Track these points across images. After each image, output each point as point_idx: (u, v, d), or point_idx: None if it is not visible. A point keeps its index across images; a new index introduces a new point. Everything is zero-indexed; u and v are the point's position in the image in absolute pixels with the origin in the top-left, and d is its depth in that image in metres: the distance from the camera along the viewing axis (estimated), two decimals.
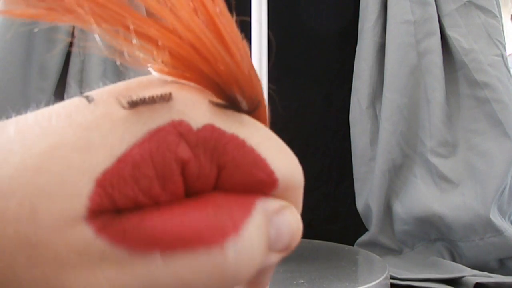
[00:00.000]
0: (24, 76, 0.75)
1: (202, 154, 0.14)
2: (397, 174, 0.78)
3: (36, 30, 0.76)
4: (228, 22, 0.15)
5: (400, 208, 0.77)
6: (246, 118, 0.16)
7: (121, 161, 0.13)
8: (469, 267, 0.68)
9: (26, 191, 0.13)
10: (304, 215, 0.17)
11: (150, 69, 0.16)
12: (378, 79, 0.80)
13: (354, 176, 0.84)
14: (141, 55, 0.15)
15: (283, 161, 0.16)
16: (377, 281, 0.55)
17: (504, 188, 0.72)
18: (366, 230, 0.83)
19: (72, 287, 0.13)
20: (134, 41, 0.15)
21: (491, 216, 0.70)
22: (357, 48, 0.83)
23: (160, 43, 0.15)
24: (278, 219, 0.15)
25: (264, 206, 0.15)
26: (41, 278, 0.13)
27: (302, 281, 0.54)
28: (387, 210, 0.79)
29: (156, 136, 0.14)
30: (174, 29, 0.15)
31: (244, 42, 0.16)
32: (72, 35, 0.78)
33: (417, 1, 0.77)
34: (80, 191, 0.13)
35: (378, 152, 0.78)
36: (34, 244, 0.13)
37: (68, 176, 0.13)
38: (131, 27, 0.15)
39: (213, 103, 0.15)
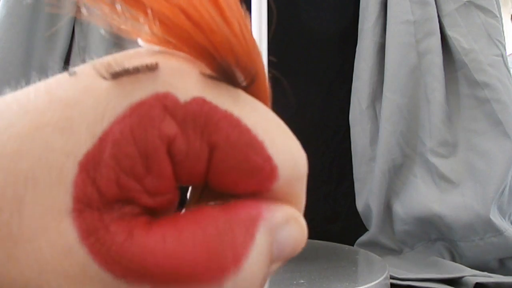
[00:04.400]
0: (24, 76, 0.75)
1: (190, 130, 0.13)
2: (397, 174, 0.78)
3: (36, 29, 0.76)
4: None
5: (400, 208, 0.77)
6: (243, 94, 0.14)
7: (102, 140, 0.12)
8: (469, 267, 0.68)
9: (8, 177, 0.12)
10: (304, 215, 0.16)
11: (139, 40, 0.15)
12: (378, 79, 0.80)
13: (354, 176, 0.84)
14: (130, 23, 0.14)
15: (283, 146, 0.14)
16: (377, 281, 0.55)
17: (504, 188, 0.72)
18: (366, 230, 0.83)
19: None
20: (119, 7, 0.13)
21: (491, 216, 0.70)
22: (357, 48, 0.83)
23: (149, 9, 0.13)
24: (282, 234, 0.14)
25: (269, 223, 0.14)
26: (20, 281, 0.12)
27: (302, 281, 0.54)
28: (387, 210, 0.79)
29: (138, 110, 0.13)
30: None
31: (243, 10, 0.14)
32: (72, 35, 0.78)
33: (417, 1, 0.77)
34: (65, 177, 0.12)
35: (378, 152, 0.78)
36: (16, 240, 0.12)
37: (52, 160, 0.12)
38: None
39: (204, 75, 0.14)
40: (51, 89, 0.13)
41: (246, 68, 0.14)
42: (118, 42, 0.14)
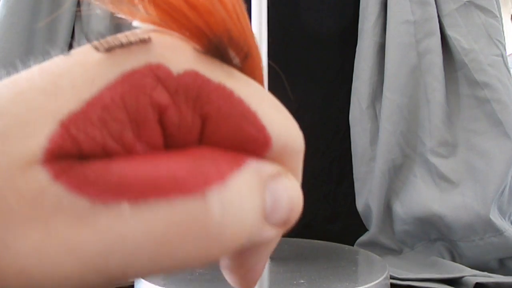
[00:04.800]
0: None
1: (182, 101, 0.13)
2: (397, 174, 0.78)
3: (36, 29, 0.76)
4: None
5: (400, 208, 0.77)
6: (236, 72, 0.14)
7: (90, 104, 0.12)
8: (469, 267, 0.68)
9: None
10: (304, 215, 0.16)
11: (135, 22, 0.15)
12: (378, 79, 0.80)
13: (354, 176, 0.84)
14: (125, 5, 0.14)
15: (277, 118, 0.14)
16: (377, 281, 0.55)
17: (504, 188, 0.72)
18: (366, 230, 0.83)
19: (18, 247, 0.11)
20: None
21: (491, 216, 0.70)
22: (357, 48, 0.83)
23: None
24: (275, 186, 0.13)
25: (257, 167, 0.13)
26: None
27: (302, 281, 0.54)
28: (387, 210, 0.79)
29: (130, 78, 0.12)
30: None
31: None
32: (72, 35, 0.78)
33: (417, 1, 0.77)
34: (40, 131, 0.11)
35: (378, 152, 0.78)
36: None
37: (29, 117, 0.12)
38: None
39: (198, 50, 0.14)
40: (43, 65, 0.13)
41: (239, 45, 0.14)
42: None
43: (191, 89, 0.13)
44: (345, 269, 0.60)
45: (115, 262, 0.11)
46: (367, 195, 0.81)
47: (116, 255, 0.11)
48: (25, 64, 0.14)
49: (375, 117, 0.81)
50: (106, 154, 0.12)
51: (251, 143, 0.13)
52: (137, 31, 0.14)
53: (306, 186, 0.15)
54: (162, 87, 0.13)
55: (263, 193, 0.13)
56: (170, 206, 0.12)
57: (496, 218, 0.71)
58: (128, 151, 0.12)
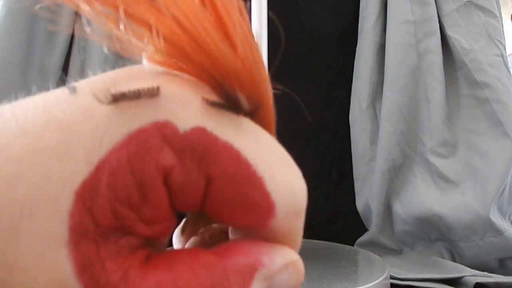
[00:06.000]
0: (24, 76, 0.75)
1: (188, 160, 0.13)
2: (397, 174, 0.78)
3: (36, 29, 0.76)
4: (232, 8, 0.14)
5: (400, 208, 0.77)
6: (246, 122, 0.14)
7: (99, 169, 0.12)
8: (469, 267, 0.68)
9: (5, 204, 0.12)
10: (304, 215, 0.16)
11: (143, 59, 0.14)
12: (378, 79, 0.80)
13: (354, 176, 0.84)
14: (133, 40, 0.13)
15: (283, 182, 0.14)
16: (377, 281, 0.55)
17: (504, 188, 0.72)
18: (366, 230, 0.83)
19: None
20: (123, 25, 0.13)
21: (491, 216, 0.70)
22: (357, 48, 0.83)
23: (154, 28, 0.13)
24: (278, 280, 0.14)
25: (266, 271, 0.13)
26: None
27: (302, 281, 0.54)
28: (387, 210, 0.79)
29: (136, 139, 0.12)
30: (170, 13, 0.13)
31: (251, 32, 0.14)
32: (72, 35, 0.78)
33: (417, 1, 0.77)
34: (62, 207, 0.12)
35: (378, 152, 0.78)
36: (11, 268, 0.12)
37: (49, 188, 0.12)
38: (122, 7, 0.13)
39: (207, 101, 0.13)
40: (49, 108, 0.13)
41: (251, 95, 0.14)
42: None
43: (198, 147, 0.13)
44: (345, 269, 0.60)
45: None
46: (367, 195, 0.81)
47: None
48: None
49: (375, 117, 0.81)
50: (116, 218, 0.12)
51: (254, 209, 0.13)
52: (145, 70, 0.14)
53: (306, 186, 0.15)
54: (169, 148, 0.13)
55: None
56: None
57: (496, 218, 0.71)
58: (138, 215, 0.13)
